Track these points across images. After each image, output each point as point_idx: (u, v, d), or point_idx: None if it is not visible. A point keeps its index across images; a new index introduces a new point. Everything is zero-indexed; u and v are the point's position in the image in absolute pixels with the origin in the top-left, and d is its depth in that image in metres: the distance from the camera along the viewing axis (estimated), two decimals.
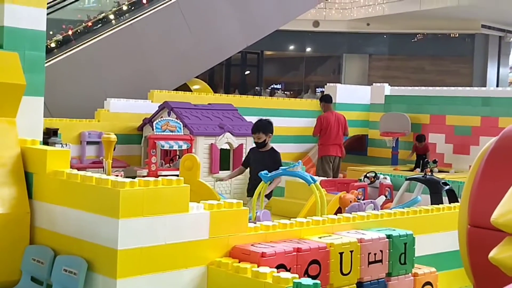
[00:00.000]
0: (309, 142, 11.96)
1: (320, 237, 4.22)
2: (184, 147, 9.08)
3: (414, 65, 24.66)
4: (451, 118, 11.72)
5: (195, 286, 3.83)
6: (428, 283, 4.59)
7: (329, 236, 4.29)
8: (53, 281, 3.92)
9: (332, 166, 10.77)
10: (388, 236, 4.38)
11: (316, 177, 7.29)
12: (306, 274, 3.90)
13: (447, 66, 24.18)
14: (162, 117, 9.55)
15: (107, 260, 3.61)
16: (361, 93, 13.25)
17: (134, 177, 3.82)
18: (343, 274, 4.10)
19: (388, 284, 4.35)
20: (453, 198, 7.12)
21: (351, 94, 13.08)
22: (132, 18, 11.81)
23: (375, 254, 4.27)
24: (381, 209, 7.08)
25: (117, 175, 5.06)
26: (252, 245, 3.94)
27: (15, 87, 4.62)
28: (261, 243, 4.01)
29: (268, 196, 6.82)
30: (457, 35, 24.21)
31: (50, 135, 8.59)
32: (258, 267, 3.66)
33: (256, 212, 6.41)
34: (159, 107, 9.82)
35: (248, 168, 7.81)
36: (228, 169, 9.33)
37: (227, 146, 9.56)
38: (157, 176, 7.97)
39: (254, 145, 7.89)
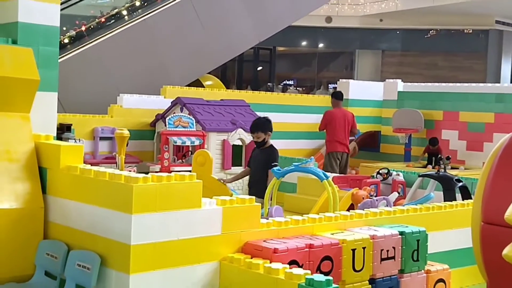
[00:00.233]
0: (322, 139, 11.93)
1: (332, 234, 4.21)
2: (197, 143, 9.10)
3: (427, 61, 24.52)
4: (464, 115, 11.66)
5: (208, 281, 3.84)
6: (441, 280, 4.57)
7: (342, 232, 4.28)
8: (66, 275, 3.95)
9: (339, 163, 10.69)
10: (401, 233, 4.37)
11: (328, 174, 7.29)
12: (319, 270, 3.90)
13: (460, 62, 24.02)
14: (174, 113, 9.58)
15: (120, 255, 3.63)
16: (374, 89, 13.20)
17: (146, 173, 3.84)
18: (355, 271, 4.09)
19: (401, 281, 4.34)
20: (466, 195, 7.10)
21: (364, 90, 13.04)
22: (145, 14, 11.83)
23: (387, 250, 4.26)
24: (394, 205, 7.06)
25: (130, 171, 5.08)
26: (264, 241, 3.95)
27: (29, 82, 4.64)
28: (273, 239, 4.01)
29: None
30: (470, 31, 24.04)
31: (63, 130, 8.64)
32: (270, 263, 3.66)
33: (268, 208, 6.42)
34: (171, 103, 9.84)
35: None
36: (241, 165, 9.35)
37: (239, 142, 9.57)
38: (170, 171, 8.00)
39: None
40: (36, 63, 4.75)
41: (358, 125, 12.34)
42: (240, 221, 3.97)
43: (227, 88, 15.33)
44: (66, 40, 11.41)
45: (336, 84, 13.43)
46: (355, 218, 4.53)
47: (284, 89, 24.15)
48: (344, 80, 13.24)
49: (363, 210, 4.71)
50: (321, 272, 3.87)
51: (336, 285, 3.37)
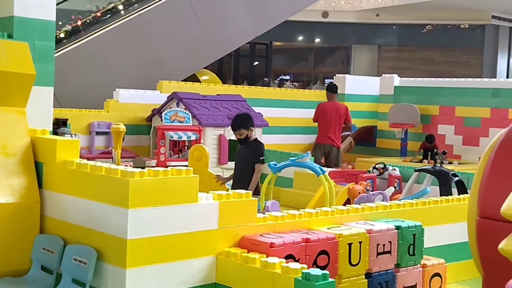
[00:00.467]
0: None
1: (329, 228, 4.22)
2: (193, 137, 9.10)
3: (424, 56, 24.52)
4: (460, 110, 11.67)
5: (204, 276, 3.84)
6: (437, 274, 4.58)
7: (338, 227, 4.29)
8: (63, 270, 3.95)
9: (324, 154, 10.52)
10: (397, 227, 4.38)
11: (324, 168, 7.29)
12: (315, 264, 3.91)
13: (456, 57, 24.03)
14: (171, 107, 9.56)
15: (117, 249, 3.63)
16: (370, 84, 13.20)
17: (143, 168, 3.83)
18: (351, 265, 4.10)
19: (397, 275, 4.35)
20: (462, 189, 7.11)
21: (360, 85, 13.04)
22: (141, 8, 11.80)
23: (383, 245, 4.27)
24: (390, 200, 7.08)
25: (126, 166, 5.07)
26: (261, 235, 3.95)
27: (25, 77, 4.63)
28: (270, 233, 4.02)
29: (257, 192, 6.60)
30: (467, 26, 24.04)
31: (59, 125, 8.62)
32: (267, 257, 3.67)
33: (265, 203, 6.42)
34: (168, 97, 9.83)
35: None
36: None
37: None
38: (166, 166, 8.00)
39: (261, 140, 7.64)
40: (32, 58, 4.74)
41: (355, 120, 12.35)
42: (237, 215, 3.97)
43: (224, 83, 15.31)
44: (62, 35, 11.38)
45: (333, 79, 13.43)
46: (351, 213, 4.54)
47: (281, 84, 24.12)
48: (341, 75, 13.24)
49: (360, 204, 4.72)
50: (318, 267, 3.88)
51: (333, 279, 3.38)
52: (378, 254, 4.24)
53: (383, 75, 13.45)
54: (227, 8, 12.80)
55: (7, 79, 4.52)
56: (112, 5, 12.22)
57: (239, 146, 6.94)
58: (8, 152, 4.35)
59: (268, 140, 10.61)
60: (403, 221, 4.54)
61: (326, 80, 25.21)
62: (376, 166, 8.55)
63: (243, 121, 6.82)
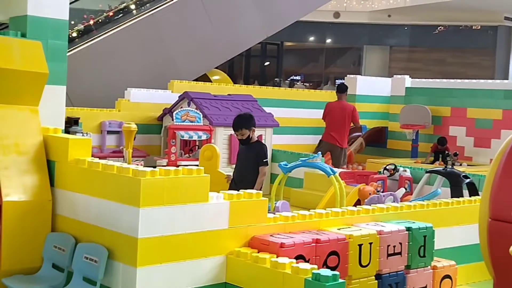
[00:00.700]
0: None
1: (339, 229, 4.22)
2: (204, 137, 9.11)
3: (435, 57, 24.41)
4: (472, 111, 11.61)
5: (214, 275, 3.85)
6: (447, 276, 4.57)
7: (348, 227, 4.29)
8: (74, 268, 3.97)
9: (324, 152, 10.37)
10: (408, 229, 4.37)
11: (335, 169, 7.29)
12: (325, 265, 3.91)
13: (468, 59, 23.91)
14: (182, 107, 9.58)
15: (128, 248, 3.65)
16: (381, 85, 13.16)
17: (154, 167, 3.85)
18: (362, 266, 4.09)
19: (407, 276, 4.35)
20: (473, 191, 7.07)
21: (372, 86, 13.01)
22: (153, 8, 11.83)
23: (394, 246, 4.26)
24: (401, 201, 7.06)
25: (137, 165, 5.09)
26: (271, 235, 3.96)
27: (38, 75, 4.66)
28: (280, 233, 4.02)
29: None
30: (479, 27, 23.91)
31: (71, 124, 8.65)
32: (277, 257, 3.67)
33: (275, 203, 6.42)
34: (179, 97, 9.85)
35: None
36: None
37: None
38: (177, 166, 8.01)
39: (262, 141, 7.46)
40: (45, 57, 4.77)
41: (365, 120, 12.33)
42: (247, 215, 3.98)
43: (234, 83, 15.32)
44: (74, 34, 11.43)
45: (344, 79, 13.39)
46: (362, 214, 4.53)
47: (291, 85, 24.09)
48: (352, 75, 13.20)
49: (370, 205, 4.71)
50: (328, 267, 3.88)
51: (343, 280, 3.38)
52: (389, 255, 4.24)
53: (394, 76, 13.40)
54: (238, 8, 12.81)
55: (20, 77, 4.55)
56: (124, 4, 12.26)
57: (240, 147, 6.80)
58: (20, 150, 4.38)
59: (278, 140, 10.62)
60: (413, 222, 4.53)
61: (337, 80, 25.15)
62: (387, 167, 8.53)
63: (245, 121, 6.65)
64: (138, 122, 8.64)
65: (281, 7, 13.54)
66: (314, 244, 3.89)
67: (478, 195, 6.73)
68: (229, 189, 5.80)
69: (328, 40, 26.18)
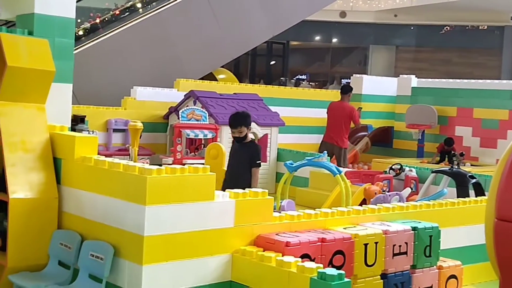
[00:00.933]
0: None
1: (345, 228, 4.21)
2: (209, 136, 9.12)
3: (442, 57, 24.37)
4: (478, 111, 11.58)
5: (220, 273, 3.85)
6: (453, 276, 4.56)
7: (354, 227, 4.28)
8: (80, 265, 3.98)
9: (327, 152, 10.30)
10: (414, 228, 4.36)
11: (341, 168, 7.28)
12: (331, 264, 3.90)
13: (475, 59, 23.86)
14: (187, 106, 9.59)
15: (134, 246, 3.65)
16: (387, 84, 13.15)
17: (160, 165, 3.85)
18: (367, 265, 4.09)
19: (413, 276, 4.34)
20: (479, 191, 7.06)
21: (377, 86, 12.99)
22: (159, 7, 11.84)
23: (400, 246, 4.26)
24: (407, 201, 7.05)
25: (143, 163, 5.10)
26: (276, 234, 3.96)
27: (45, 73, 4.67)
28: (286, 232, 4.02)
29: None
30: (485, 27, 23.85)
31: (77, 122, 8.67)
32: (282, 256, 3.67)
33: (281, 202, 6.43)
34: (185, 96, 9.86)
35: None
36: None
37: (252, 136, 9.56)
38: (183, 164, 8.01)
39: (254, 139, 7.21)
40: (52, 55, 4.78)
41: (371, 120, 12.33)
42: (253, 214, 3.98)
43: (240, 82, 15.32)
44: (81, 32, 11.45)
45: (349, 79, 13.37)
46: (367, 213, 4.53)
47: (297, 84, 24.09)
48: (358, 75, 13.19)
49: (376, 205, 4.71)
50: (333, 266, 3.88)
51: (348, 279, 3.38)
52: (394, 255, 4.23)
53: (400, 75, 13.38)
54: (244, 7, 12.81)
55: (27, 75, 4.56)
56: (131, 3, 12.28)
57: (234, 145, 6.66)
58: (27, 148, 4.39)
59: (284, 140, 10.62)
60: (419, 222, 4.52)
61: (342, 80, 25.14)
62: (393, 167, 8.52)
63: (243, 118, 6.48)
64: (144, 120, 8.65)
65: (287, 6, 13.53)
66: (319, 243, 3.89)
67: (484, 195, 6.71)
68: (222, 188, 5.72)
69: (334, 40, 26.16)
